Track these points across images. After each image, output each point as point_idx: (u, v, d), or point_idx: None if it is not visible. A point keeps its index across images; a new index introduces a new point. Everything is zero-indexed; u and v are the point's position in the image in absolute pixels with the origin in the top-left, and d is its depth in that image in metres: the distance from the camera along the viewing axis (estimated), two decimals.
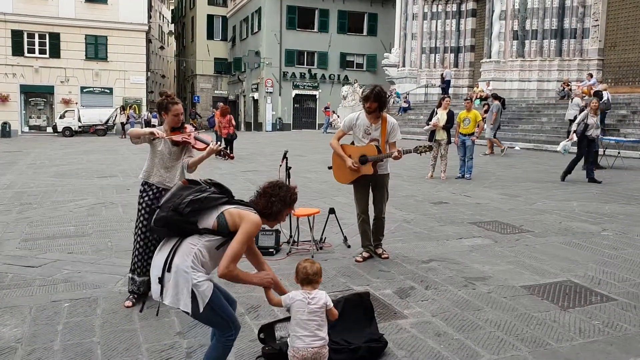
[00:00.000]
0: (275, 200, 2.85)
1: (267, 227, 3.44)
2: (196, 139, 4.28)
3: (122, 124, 31.42)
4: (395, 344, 3.51)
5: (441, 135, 11.31)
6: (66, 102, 33.66)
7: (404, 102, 29.56)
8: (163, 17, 57.37)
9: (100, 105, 33.89)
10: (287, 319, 3.29)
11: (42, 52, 33.43)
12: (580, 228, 6.83)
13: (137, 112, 34.30)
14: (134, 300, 4.22)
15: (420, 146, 5.52)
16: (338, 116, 30.82)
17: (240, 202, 2.89)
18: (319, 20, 39.18)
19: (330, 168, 5.62)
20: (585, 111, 11.18)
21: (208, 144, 4.22)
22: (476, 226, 6.93)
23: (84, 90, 34.46)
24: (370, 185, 5.41)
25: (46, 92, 34.24)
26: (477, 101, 22.17)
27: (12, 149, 21.19)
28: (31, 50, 33.18)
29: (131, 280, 4.29)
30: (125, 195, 9.40)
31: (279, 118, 38.62)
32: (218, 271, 2.68)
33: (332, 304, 2.92)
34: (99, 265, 5.28)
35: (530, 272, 5.01)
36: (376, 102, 5.14)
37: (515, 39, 25.74)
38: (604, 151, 13.95)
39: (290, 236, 5.85)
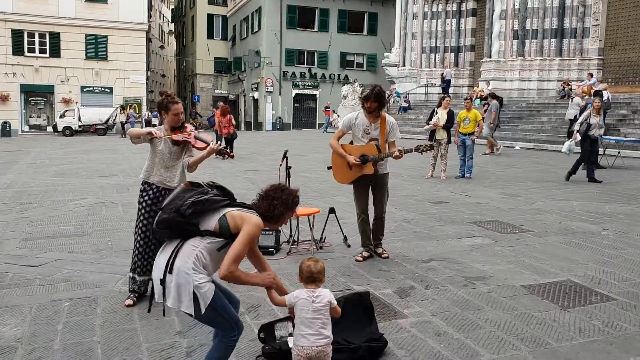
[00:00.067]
0: (278, 203, 2.86)
1: None
2: (196, 138, 4.28)
3: (122, 124, 31.43)
4: (395, 343, 3.51)
5: (441, 135, 11.32)
6: (66, 101, 33.66)
7: (404, 101, 29.55)
8: (163, 16, 57.36)
9: (100, 104, 33.90)
10: (287, 318, 3.29)
11: (42, 51, 33.42)
12: (580, 228, 6.83)
13: (137, 112, 34.31)
14: (134, 299, 4.22)
15: (421, 145, 5.52)
16: (338, 116, 30.80)
17: (242, 205, 2.89)
18: (319, 20, 39.16)
19: (329, 168, 5.61)
20: (588, 111, 11.19)
21: (208, 144, 4.22)
22: (476, 226, 6.93)
23: (84, 90, 34.46)
24: (370, 185, 5.41)
25: (46, 92, 34.25)
26: (477, 101, 22.15)
27: (12, 148, 21.19)
28: (31, 50, 33.18)
29: (132, 279, 4.29)
30: (126, 194, 9.40)
31: (279, 117, 38.61)
32: (219, 273, 2.68)
33: (335, 302, 2.93)
34: (99, 264, 5.29)
35: (530, 272, 5.01)
36: (376, 102, 5.14)
37: (516, 39, 25.73)
38: (604, 151, 13.94)
39: (291, 236, 5.85)
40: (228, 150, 4.74)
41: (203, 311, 2.67)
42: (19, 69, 32.92)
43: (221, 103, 19.68)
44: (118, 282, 4.72)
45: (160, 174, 4.26)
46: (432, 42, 31.47)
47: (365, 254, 5.43)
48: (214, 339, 2.96)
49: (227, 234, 2.74)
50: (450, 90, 28.34)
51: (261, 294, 4.18)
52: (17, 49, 32.69)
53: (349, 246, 5.87)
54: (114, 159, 16.15)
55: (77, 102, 33.74)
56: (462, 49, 30.92)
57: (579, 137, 11.10)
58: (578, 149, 11.49)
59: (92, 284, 4.69)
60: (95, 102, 34.00)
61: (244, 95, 42.90)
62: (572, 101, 18.18)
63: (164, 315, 2.82)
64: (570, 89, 21.73)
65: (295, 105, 39.72)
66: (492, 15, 26.40)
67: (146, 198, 4.26)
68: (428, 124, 11.54)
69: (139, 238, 4.28)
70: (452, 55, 31.16)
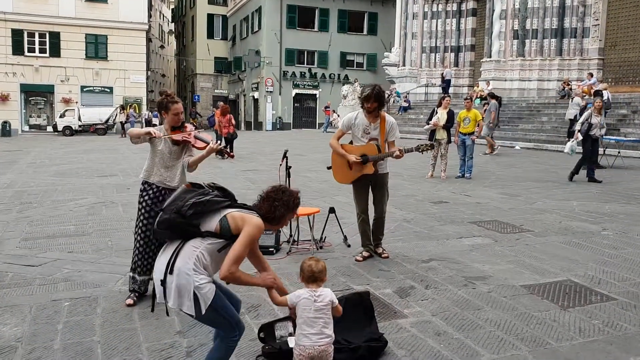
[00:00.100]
0: (279, 205, 2.86)
1: None
2: (196, 137, 4.28)
3: (122, 123, 31.42)
4: (395, 343, 3.51)
5: (441, 135, 11.32)
6: (66, 101, 33.66)
7: (404, 101, 29.55)
8: (163, 16, 57.37)
9: (100, 104, 33.89)
10: (287, 318, 3.29)
11: (42, 51, 33.42)
12: (580, 227, 6.83)
13: (137, 112, 34.31)
14: (135, 298, 4.23)
15: (422, 144, 5.52)
16: (338, 115, 30.79)
17: (243, 206, 2.90)
18: (319, 20, 39.16)
19: (329, 168, 5.61)
20: (589, 110, 11.20)
21: (208, 143, 4.22)
22: (476, 225, 6.93)
23: (84, 90, 34.46)
24: (370, 184, 5.41)
25: (46, 91, 34.25)
26: (477, 100, 22.15)
27: (13, 148, 21.19)
28: (31, 50, 33.18)
29: (132, 279, 4.29)
30: (126, 194, 9.40)
31: (279, 117, 38.61)
32: (220, 273, 2.69)
33: (337, 301, 2.93)
34: (99, 264, 5.29)
35: (530, 272, 5.01)
36: (377, 101, 5.15)
37: (516, 39, 25.72)
38: (604, 151, 13.94)
39: (290, 235, 5.85)
40: (228, 150, 4.74)
41: (203, 312, 2.67)
42: (19, 68, 32.92)
43: (221, 103, 19.68)
44: (118, 282, 4.72)
45: (160, 173, 4.26)
46: (432, 42, 31.46)
47: (365, 253, 5.43)
48: (215, 339, 2.96)
49: (227, 235, 2.74)
50: (450, 90, 28.33)
51: (261, 294, 4.18)
52: (17, 49, 32.68)
53: (349, 246, 5.87)
54: (114, 159, 16.15)
55: (77, 102, 33.74)
56: (462, 48, 30.92)
57: (580, 137, 11.10)
58: (580, 149, 11.50)
59: (92, 284, 4.69)
60: (95, 102, 33.99)
61: (244, 95, 42.90)
62: (572, 101, 18.18)
63: (167, 314, 2.83)
64: (570, 89, 21.73)
65: (295, 105, 39.72)
66: (492, 15, 26.40)
67: (146, 198, 4.26)
68: (428, 124, 11.54)
69: (139, 238, 4.28)
70: (452, 55, 31.16)
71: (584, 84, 21.18)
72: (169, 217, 2.74)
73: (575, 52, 24.80)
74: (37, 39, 33.23)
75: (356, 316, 3.47)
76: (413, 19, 31.41)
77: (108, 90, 35.07)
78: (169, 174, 4.27)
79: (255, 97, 40.13)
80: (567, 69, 24.81)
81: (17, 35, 32.57)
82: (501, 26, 26.00)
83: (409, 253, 5.65)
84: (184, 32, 53.57)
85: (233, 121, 16.46)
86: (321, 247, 5.80)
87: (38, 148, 20.91)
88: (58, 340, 3.57)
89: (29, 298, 4.34)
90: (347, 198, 7.77)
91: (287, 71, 38.67)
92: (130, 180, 10.98)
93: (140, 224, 4.26)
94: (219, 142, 4.40)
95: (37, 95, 34.31)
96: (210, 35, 46.24)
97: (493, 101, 17.15)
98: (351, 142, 5.41)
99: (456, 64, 31.06)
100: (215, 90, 46.85)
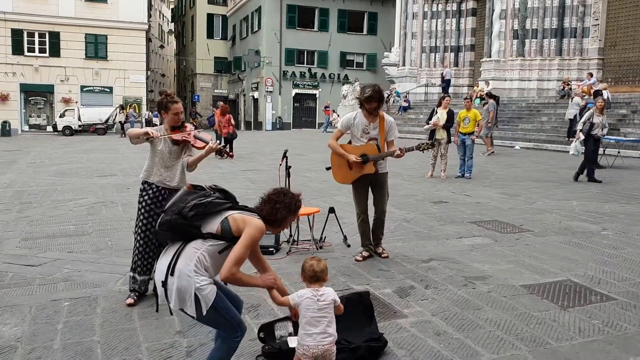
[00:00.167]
0: (280, 207, 2.87)
1: None
2: (196, 137, 4.28)
3: (121, 123, 31.41)
4: (395, 343, 3.51)
5: (441, 135, 11.31)
6: (66, 101, 33.65)
7: (404, 101, 29.55)
8: (163, 16, 57.36)
9: (100, 104, 33.89)
10: (287, 318, 3.29)
11: (42, 51, 33.41)
12: (580, 227, 6.83)
13: (137, 111, 34.30)
14: (135, 298, 4.22)
15: (422, 143, 5.51)
16: (338, 115, 30.80)
17: (245, 208, 2.90)
18: (319, 19, 39.15)
19: (328, 169, 5.60)
20: (591, 110, 11.21)
21: (208, 143, 4.22)
22: (476, 225, 6.93)
23: (84, 89, 34.45)
24: (370, 184, 5.40)
25: (46, 91, 34.24)
26: (477, 100, 22.16)
27: (12, 147, 21.18)
28: (31, 49, 33.17)
29: (132, 279, 4.29)
30: (125, 194, 9.40)
31: (279, 117, 38.61)
32: (221, 274, 2.69)
33: (339, 300, 2.94)
34: (98, 264, 5.29)
35: (530, 272, 5.01)
36: (378, 101, 5.15)
37: (516, 38, 25.72)
38: (604, 150, 13.94)
39: (290, 235, 5.85)
40: (227, 150, 4.74)
41: (204, 313, 2.68)
42: (19, 68, 32.92)
43: (221, 103, 19.68)
44: (118, 282, 4.72)
45: (160, 173, 4.26)
46: (432, 41, 31.47)
47: (365, 253, 5.43)
48: (216, 339, 2.96)
49: (229, 236, 2.74)
50: (450, 90, 28.33)
51: (261, 294, 4.19)
52: (17, 49, 32.67)
53: (348, 246, 5.86)
54: (113, 159, 16.15)
55: (76, 102, 33.74)
56: (462, 48, 30.92)
57: (582, 137, 11.10)
58: (584, 148, 11.50)
59: (91, 284, 4.69)
60: (95, 102, 33.98)
61: (244, 95, 42.89)
62: (572, 101, 18.19)
63: (171, 314, 2.84)
64: (570, 89, 21.74)
65: (295, 104, 39.71)
66: (492, 15, 26.39)
67: (146, 198, 4.26)
68: (428, 124, 11.54)
69: (138, 237, 4.28)
70: (452, 54, 31.16)
71: (583, 84, 21.19)
72: (171, 219, 2.75)
73: (575, 52, 24.81)
74: (36, 39, 33.22)
75: (356, 316, 3.47)
76: (413, 18, 31.41)
77: (108, 90, 35.06)
78: (168, 173, 4.27)
79: (255, 97, 40.12)
80: (567, 68, 24.82)
81: (16, 35, 32.56)
82: (501, 26, 26.00)
83: (408, 253, 5.65)
84: (183, 31, 53.56)
85: (232, 121, 16.46)
86: (321, 247, 5.80)
87: (38, 148, 20.91)
88: (58, 340, 3.57)
89: (28, 298, 4.34)
90: (347, 198, 7.77)
91: (287, 71, 38.67)
92: (130, 180, 10.98)
93: (140, 224, 4.26)
94: (218, 141, 4.40)
95: (36, 95, 34.30)
96: (210, 35, 46.23)
97: (491, 101, 17.17)
98: (350, 142, 5.41)
99: (456, 64, 31.06)
100: (215, 90, 46.85)
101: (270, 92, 38.20)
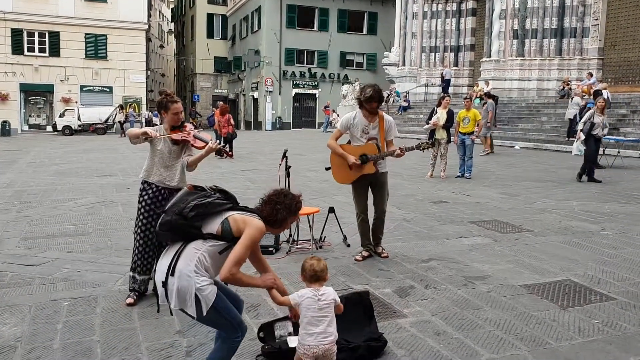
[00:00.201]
0: (281, 208, 2.87)
1: None
2: (195, 137, 4.28)
3: (121, 123, 31.41)
4: (394, 343, 3.51)
5: (441, 135, 11.31)
6: (66, 100, 33.65)
7: (404, 101, 29.55)
8: (163, 15, 57.35)
9: (100, 104, 33.90)
10: (287, 318, 3.29)
11: (41, 50, 33.42)
12: (580, 227, 6.83)
13: (137, 111, 34.29)
14: (135, 297, 4.22)
15: (423, 142, 5.51)
16: (338, 115, 30.79)
17: (245, 209, 2.90)
18: (319, 19, 39.15)
19: (328, 169, 5.60)
20: (592, 110, 11.21)
21: (207, 143, 4.22)
22: (476, 225, 6.93)
23: (84, 89, 34.46)
24: (369, 184, 5.40)
25: (46, 91, 34.25)
26: (477, 100, 22.16)
27: (12, 147, 21.18)
28: (31, 49, 33.17)
29: (132, 278, 4.29)
30: (125, 194, 9.39)
31: (279, 117, 38.60)
32: (220, 275, 2.69)
33: (339, 300, 2.94)
34: (98, 264, 5.28)
35: (529, 271, 5.01)
36: (378, 101, 5.15)
37: (515, 38, 25.72)
38: (604, 150, 13.94)
39: (290, 235, 5.85)
40: (227, 150, 4.74)
41: (205, 313, 2.68)
42: (19, 68, 32.91)
43: (221, 102, 19.67)
44: (117, 282, 4.72)
45: (159, 173, 4.26)
46: (432, 41, 31.47)
47: (365, 253, 5.43)
48: (216, 339, 2.96)
49: (229, 237, 2.75)
50: (450, 89, 28.32)
51: (261, 294, 4.19)
52: (17, 48, 32.67)
53: (348, 246, 5.86)
54: (113, 159, 16.15)
55: (76, 102, 33.74)
56: (462, 48, 30.92)
57: (582, 137, 11.11)
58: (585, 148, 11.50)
59: (91, 284, 4.69)
60: (94, 102, 33.99)
61: (244, 95, 42.89)
62: (571, 101, 18.18)
63: (171, 314, 2.85)
64: (570, 89, 21.73)
65: (295, 104, 39.71)
66: (492, 14, 26.39)
67: (146, 197, 4.26)
68: (428, 124, 11.54)
69: (138, 237, 4.28)
70: (452, 54, 31.16)
71: (583, 84, 21.18)
72: (171, 219, 2.75)
73: (575, 52, 24.81)
74: (36, 39, 33.22)
75: (356, 316, 3.47)
76: (413, 18, 31.41)
77: (107, 90, 35.06)
78: (168, 173, 4.27)
79: (255, 97, 40.12)
80: (566, 68, 24.82)
81: (16, 34, 32.56)
82: (501, 26, 26.00)
83: (408, 253, 5.65)
84: (183, 31, 53.56)
85: (232, 121, 16.46)
86: (321, 247, 5.80)
87: (37, 148, 20.90)
88: (57, 340, 3.57)
89: (28, 298, 4.34)
90: (347, 198, 7.77)
91: (287, 71, 38.66)
92: (130, 180, 10.98)
93: (140, 224, 4.26)
94: (218, 141, 4.40)
95: (36, 94, 34.31)
96: (210, 34, 46.23)
97: (490, 101, 17.15)
98: (349, 142, 5.41)
99: (456, 64, 31.06)
100: (215, 90, 46.83)
101: (270, 92, 38.20)
